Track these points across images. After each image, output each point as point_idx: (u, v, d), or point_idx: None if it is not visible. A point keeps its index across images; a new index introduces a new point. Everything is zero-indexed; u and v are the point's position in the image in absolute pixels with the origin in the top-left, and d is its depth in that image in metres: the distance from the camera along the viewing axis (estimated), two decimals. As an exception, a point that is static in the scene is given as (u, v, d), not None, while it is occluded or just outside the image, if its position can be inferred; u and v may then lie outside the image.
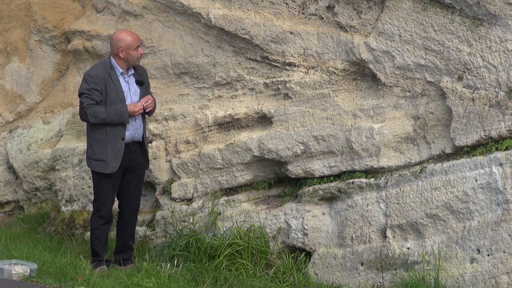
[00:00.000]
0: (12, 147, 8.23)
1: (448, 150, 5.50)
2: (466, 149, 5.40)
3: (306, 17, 6.20)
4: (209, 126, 6.68)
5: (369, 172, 5.86)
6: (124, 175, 6.25)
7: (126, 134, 6.11)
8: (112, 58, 6.15)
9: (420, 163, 5.64)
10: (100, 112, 5.99)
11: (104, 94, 6.04)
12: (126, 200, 6.34)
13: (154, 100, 6.27)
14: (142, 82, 6.24)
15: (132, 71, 6.21)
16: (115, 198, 6.38)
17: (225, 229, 6.34)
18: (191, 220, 6.54)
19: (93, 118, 6.02)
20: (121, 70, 6.14)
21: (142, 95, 6.22)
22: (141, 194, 6.53)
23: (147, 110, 6.18)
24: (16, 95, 8.39)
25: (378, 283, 5.62)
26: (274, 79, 6.35)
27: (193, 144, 6.80)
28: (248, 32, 6.37)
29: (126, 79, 6.17)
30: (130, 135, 6.16)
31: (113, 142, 6.08)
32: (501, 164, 5.15)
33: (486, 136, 5.28)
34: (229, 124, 6.59)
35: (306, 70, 6.20)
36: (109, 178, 6.16)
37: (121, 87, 6.10)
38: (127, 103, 6.10)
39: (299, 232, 6.08)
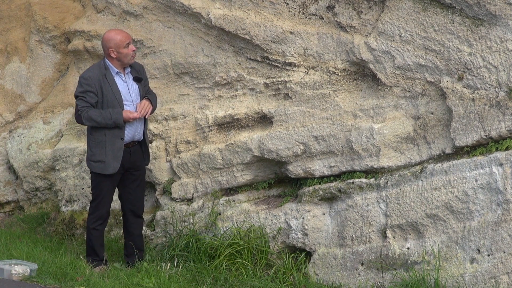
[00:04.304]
0: (12, 147, 8.22)
1: (448, 150, 5.50)
2: (466, 149, 5.40)
3: (306, 17, 6.20)
4: (209, 126, 6.68)
5: (369, 172, 5.86)
6: (124, 177, 6.24)
7: (125, 133, 6.10)
8: (106, 59, 6.15)
9: (420, 163, 5.64)
10: (94, 115, 5.99)
11: (100, 95, 6.03)
12: (129, 203, 6.32)
13: (152, 101, 6.22)
14: (140, 79, 6.23)
15: (129, 69, 6.20)
16: (119, 201, 6.38)
17: (225, 229, 6.34)
18: (191, 220, 6.54)
19: (87, 121, 6.03)
20: (116, 70, 6.12)
21: (141, 92, 6.21)
22: (144, 196, 6.51)
23: (146, 117, 6.17)
24: (16, 95, 8.38)
25: (378, 283, 5.62)
26: (274, 79, 6.35)
27: (193, 144, 6.80)
28: (248, 32, 6.37)
29: (123, 79, 6.15)
30: (129, 134, 6.14)
31: (112, 143, 6.06)
32: (501, 164, 5.15)
33: (486, 136, 5.28)
34: (229, 124, 6.58)
35: (306, 70, 6.20)
36: (109, 179, 6.15)
37: (117, 87, 6.09)
38: (128, 101, 6.10)
39: (299, 232, 6.07)
